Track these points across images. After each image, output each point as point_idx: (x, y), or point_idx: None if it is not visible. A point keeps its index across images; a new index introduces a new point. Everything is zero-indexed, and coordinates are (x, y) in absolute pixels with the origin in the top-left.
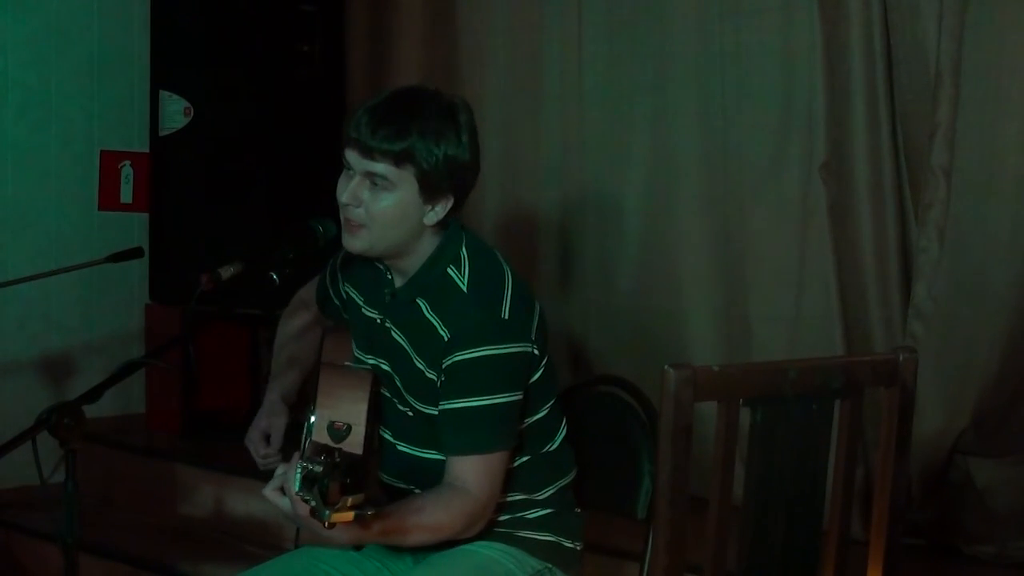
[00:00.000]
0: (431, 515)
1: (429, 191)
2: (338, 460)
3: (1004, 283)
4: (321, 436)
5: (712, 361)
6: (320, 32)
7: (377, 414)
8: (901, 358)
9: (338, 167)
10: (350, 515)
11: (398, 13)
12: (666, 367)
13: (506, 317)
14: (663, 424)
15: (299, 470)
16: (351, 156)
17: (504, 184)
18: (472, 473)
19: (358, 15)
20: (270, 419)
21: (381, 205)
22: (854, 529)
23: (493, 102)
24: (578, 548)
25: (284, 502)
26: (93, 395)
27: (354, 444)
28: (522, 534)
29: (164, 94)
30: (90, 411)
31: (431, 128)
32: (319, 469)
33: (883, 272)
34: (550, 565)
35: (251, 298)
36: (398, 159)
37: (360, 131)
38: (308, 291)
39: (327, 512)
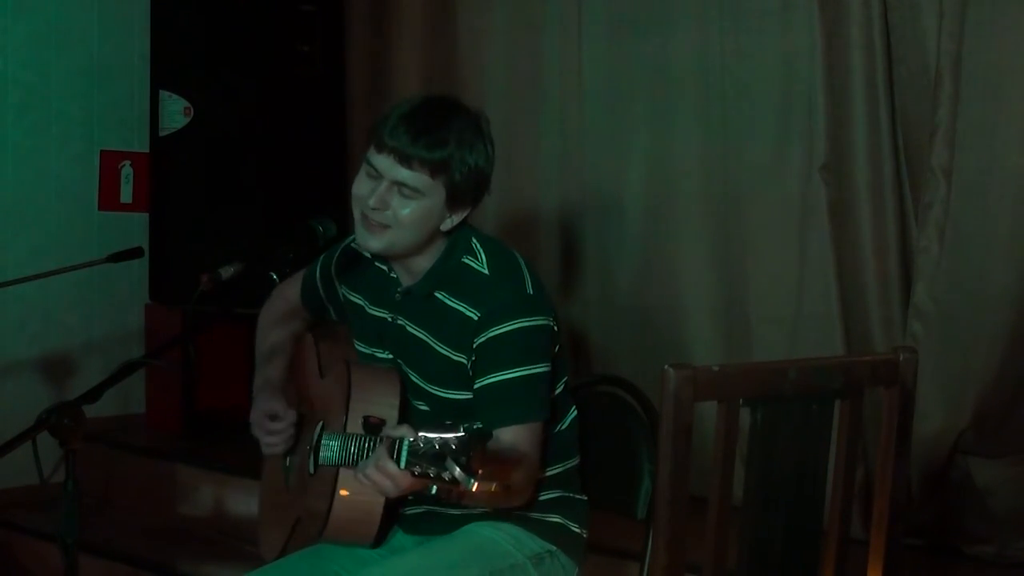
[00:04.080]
0: (517, 477)
1: (454, 201)
2: (477, 432)
3: (1004, 283)
4: (355, 429)
5: (712, 361)
6: (320, 32)
7: (406, 411)
8: (901, 358)
9: (338, 166)
10: (492, 484)
11: (398, 13)
12: (666, 367)
13: (531, 292)
14: (663, 424)
15: (407, 446)
16: (383, 162)
17: (504, 184)
18: (520, 440)
19: (358, 15)
20: (270, 403)
21: (407, 211)
22: (854, 529)
23: (493, 102)
24: (584, 535)
25: (388, 484)
26: (93, 395)
27: None
28: (530, 514)
29: (164, 94)
30: (90, 411)
31: (466, 138)
32: (453, 442)
33: (883, 272)
34: (553, 548)
35: (251, 298)
36: (434, 169)
37: (399, 139)
38: (291, 290)
39: (471, 480)
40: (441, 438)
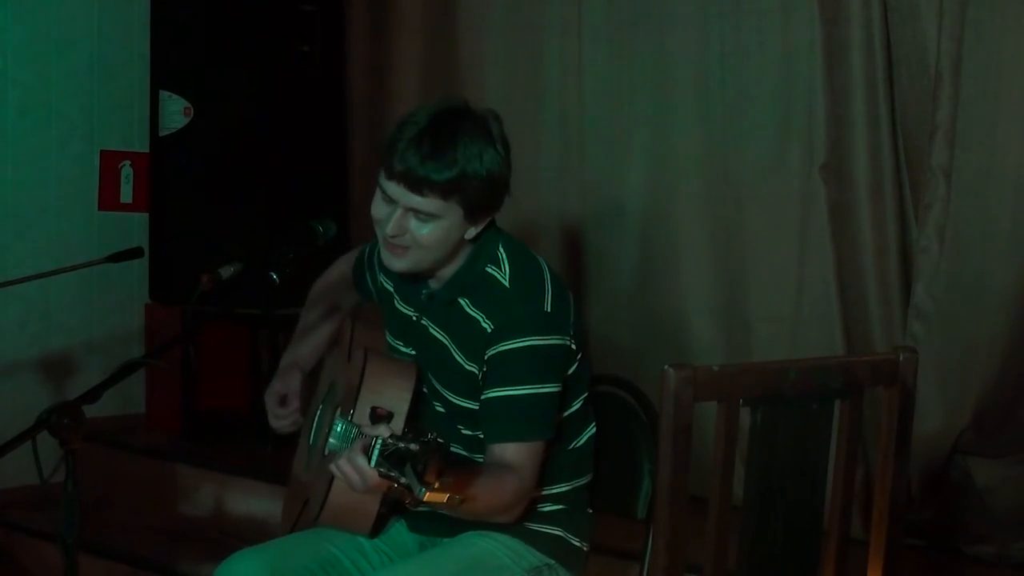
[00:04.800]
0: (490, 493)
1: (473, 214)
2: (436, 443)
3: (1004, 283)
4: (362, 420)
5: (712, 361)
6: (320, 32)
7: (417, 406)
8: (901, 358)
9: (338, 166)
10: (444, 496)
11: (398, 13)
12: (666, 367)
13: (549, 310)
14: (663, 424)
15: (379, 446)
16: (395, 190)
17: None
18: (517, 458)
19: (358, 15)
20: (286, 382)
21: (425, 232)
22: (854, 529)
23: (493, 102)
24: (584, 548)
25: (356, 479)
26: (93, 395)
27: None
28: (529, 526)
29: (164, 94)
30: (90, 411)
31: (474, 150)
32: (415, 448)
33: (883, 272)
34: (551, 561)
35: (251, 298)
36: (446, 191)
37: (407, 164)
38: (347, 265)
39: (423, 490)
40: (408, 444)
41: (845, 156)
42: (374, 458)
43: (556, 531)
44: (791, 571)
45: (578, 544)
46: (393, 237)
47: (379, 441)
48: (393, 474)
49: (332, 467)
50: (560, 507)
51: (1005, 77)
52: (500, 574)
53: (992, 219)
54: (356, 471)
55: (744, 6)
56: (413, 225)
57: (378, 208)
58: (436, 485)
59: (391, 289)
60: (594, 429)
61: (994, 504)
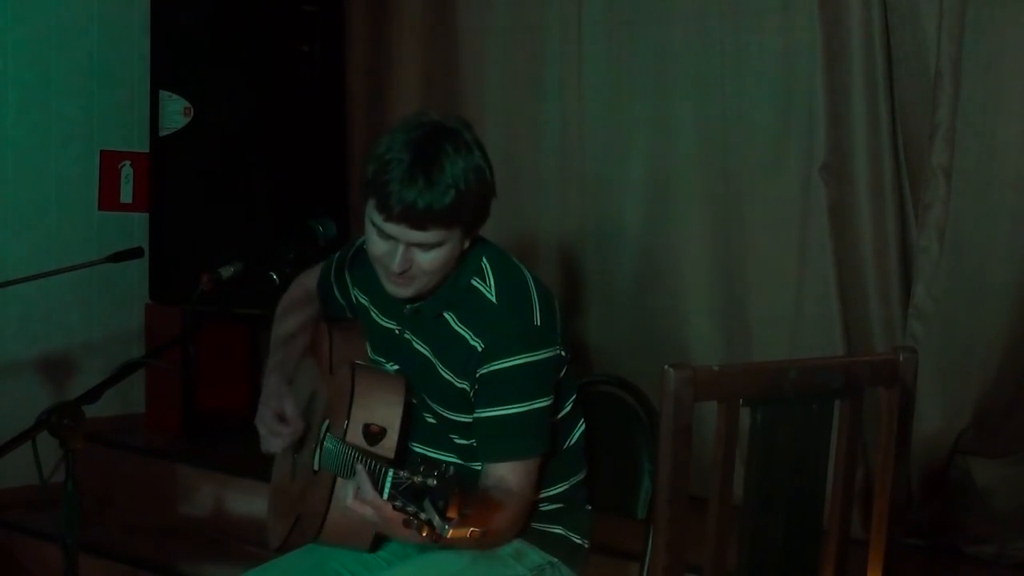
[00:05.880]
0: (502, 520)
1: (470, 229)
2: (450, 475)
3: (1004, 283)
4: (355, 438)
5: (712, 361)
6: (320, 32)
7: (409, 419)
8: (901, 358)
9: (338, 166)
10: (467, 531)
11: (398, 13)
12: (666, 367)
13: (538, 324)
14: (663, 424)
15: (390, 479)
16: (395, 230)
17: (503, 184)
18: (514, 476)
19: (358, 15)
20: (281, 400)
21: (430, 259)
22: (854, 529)
23: (493, 103)
24: (586, 546)
25: (371, 514)
26: (93, 395)
27: (388, 448)
28: (531, 525)
29: (164, 94)
30: (90, 411)
31: (460, 166)
32: (432, 483)
33: (883, 272)
34: (554, 560)
35: (251, 298)
36: (449, 221)
37: (405, 201)
38: (310, 281)
39: (446, 528)
40: (425, 478)
41: (845, 156)
42: (386, 491)
43: (557, 529)
44: (791, 571)
45: (579, 541)
46: (402, 273)
47: (390, 473)
48: (410, 509)
49: (349, 507)
50: (560, 506)
51: (1005, 77)
52: (503, 572)
53: (992, 219)
54: (369, 505)
55: (744, 6)
56: (418, 257)
57: (376, 246)
58: (457, 520)
59: (367, 304)
60: (584, 426)
61: (994, 504)
